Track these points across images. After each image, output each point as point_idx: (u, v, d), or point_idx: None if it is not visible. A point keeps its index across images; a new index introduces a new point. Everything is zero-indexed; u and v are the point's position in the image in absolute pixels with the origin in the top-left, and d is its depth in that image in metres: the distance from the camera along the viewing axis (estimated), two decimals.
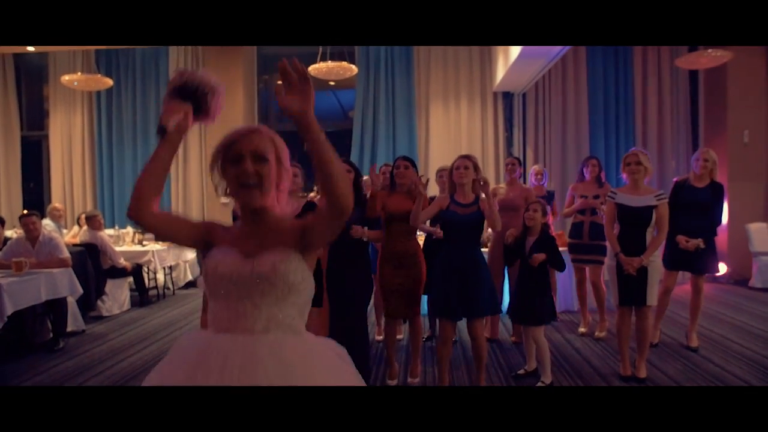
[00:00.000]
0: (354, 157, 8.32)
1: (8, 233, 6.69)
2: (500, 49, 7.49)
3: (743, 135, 7.75)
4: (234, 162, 1.51)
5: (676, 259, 4.38)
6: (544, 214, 3.71)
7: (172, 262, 7.31)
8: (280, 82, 1.38)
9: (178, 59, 8.56)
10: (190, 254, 8.00)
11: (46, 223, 6.67)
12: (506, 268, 4.73)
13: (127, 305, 6.52)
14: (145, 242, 7.17)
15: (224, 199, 1.63)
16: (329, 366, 1.48)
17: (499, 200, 4.72)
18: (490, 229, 4.21)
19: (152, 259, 6.71)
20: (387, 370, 3.92)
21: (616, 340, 4.01)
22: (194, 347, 1.45)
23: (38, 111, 9.46)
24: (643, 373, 3.81)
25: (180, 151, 8.07)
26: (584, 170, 5.07)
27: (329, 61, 6.82)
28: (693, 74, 8.27)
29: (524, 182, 8.08)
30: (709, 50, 6.28)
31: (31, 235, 5.06)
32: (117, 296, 6.34)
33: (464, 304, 3.31)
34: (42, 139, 9.17)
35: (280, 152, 1.58)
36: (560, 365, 4.18)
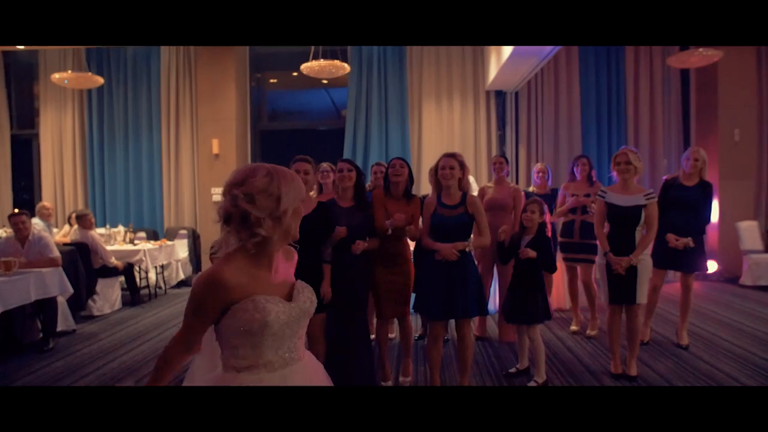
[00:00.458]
0: (347, 156, 8.31)
1: None
2: (493, 48, 7.50)
3: (734, 134, 7.80)
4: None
5: (665, 258, 4.40)
6: (542, 213, 3.69)
7: (163, 261, 7.27)
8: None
9: (169, 57, 8.53)
10: (182, 253, 7.97)
11: (35, 222, 6.61)
12: (495, 266, 4.74)
13: (118, 305, 6.48)
14: (136, 241, 7.13)
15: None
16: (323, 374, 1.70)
17: (487, 199, 4.72)
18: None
19: (144, 258, 6.66)
20: (380, 372, 3.92)
21: (607, 338, 4.02)
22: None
23: (28, 109, 9.39)
24: (633, 371, 3.83)
25: (172, 150, 7.98)
26: (575, 169, 5.08)
27: (321, 60, 6.81)
28: (684, 73, 8.32)
29: (516, 182, 8.13)
30: (700, 49, 6.31)
31: (21, 234, 5.02)
32: (108, 296, 6.31)
33: (453, 304, 3.30)
34: (32, 137, 9.11)
35: None
36: (552, 363, 4.19)
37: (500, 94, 8.36)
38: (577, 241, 4.92)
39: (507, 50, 6.36)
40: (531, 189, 5.50)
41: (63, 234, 7.16)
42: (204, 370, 3.10)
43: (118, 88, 8.71)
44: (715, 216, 7.33)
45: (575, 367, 4.13)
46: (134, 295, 6.73)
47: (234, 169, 1.49)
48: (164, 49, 8.55)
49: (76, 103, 8.77)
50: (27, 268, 4.79)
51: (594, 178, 5.06)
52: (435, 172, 3.41)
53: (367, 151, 8.36)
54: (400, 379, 3.90)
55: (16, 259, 4.73)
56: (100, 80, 7.26)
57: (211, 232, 7.64)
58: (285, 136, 9.38)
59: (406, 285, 3.74)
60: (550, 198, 5.10)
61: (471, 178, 7.09)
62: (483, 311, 3.50)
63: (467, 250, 3.28)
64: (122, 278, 6.62)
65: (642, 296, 3.76)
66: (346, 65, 6.94)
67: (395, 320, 4.18)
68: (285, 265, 1.59)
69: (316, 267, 3.23)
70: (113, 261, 6.34)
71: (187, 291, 7.37)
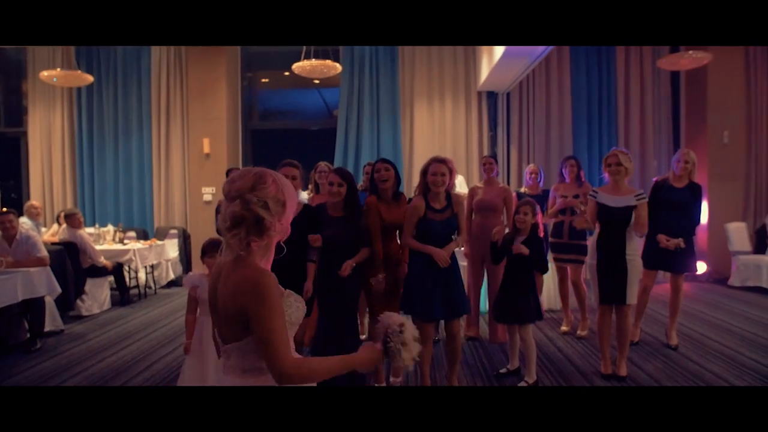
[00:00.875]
0: (338, 156, 8.30)
1: None
2: (484, 48, 7.52)
3: (723, 135, 7.86)
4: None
5: (655, 259, 4.42)
6: (534, 214, 3.71)
7: (153, 260, 7.22)
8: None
9: (160, 56, 8.47)
10: (172, 253, 7.92)
11: (24, 221, 6.55)
12: (484, 267, 4.74)
13: (107, 305, 6.43)
14: (126, 241, 7.08)
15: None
16: None
17: (477, 200, 4.73)
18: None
19: (133, 257, 6.61)
20: (371, 373, 3.90)
21: (597, 338, 4.04)
22: None
23: (16, 107, 9.29)
24: (623, 371, 3.85)
25: (162, 149, 7.91)
26: (563, 171, 5.10)
27: (313, 59, 6.79)
28: (674, 75, 8.38)
29: (507, 182, 8.14)
30: (690, 51, 6.36)
31: (8, 233, 4.97)
32: (97, 295, 6.25)
33: (444, 305, 3.33)
34: (20, 135, 9.00)
35: None
36: (542, 363, 4.20)
37: (492, 95, 8.37)
38: (566, 242, 4.94)
39: (499, 51, 6.38)
40: (523, 190, 5.51)
41: (51, 233, 7.09)
42: (195, 369, 3.08)
43: (108, 87, 8.63)
44: (704, 217, 7.39)
45: (565, 367, 4.15)
46: (123, 295, 6.68)
47: (234, 174, 1.50)
48: (155, 48, 8.48)
49: (65, 101, 8.68)
50: (14, 267, 4.74)
51: (583, 179, 5.09)
52: (424, 175, 3.41)
53: (359, 151, 8.35)
54: (391, 379, 3.89)
55: (2, 258, 4.69)
56: (90, 78, 7.19)
57: (202, 232, 7.59)
58: (276, 135, 9.35)
59: (397, 286, 3.73)
60: (541, 199, 5.12)
61: (461, 178, 7.11)
62: (468, 308, 3.60)
63: (460, 248, 3.34)
64: (111, 278, 6.57)
65: (632, 297, 3.77)
66: (337, 65, 6.93)
67: None
68: None
69: (300, 267, 3.32)
70: (102, 260, 6.29)
71: (177, 291, 7.36)
